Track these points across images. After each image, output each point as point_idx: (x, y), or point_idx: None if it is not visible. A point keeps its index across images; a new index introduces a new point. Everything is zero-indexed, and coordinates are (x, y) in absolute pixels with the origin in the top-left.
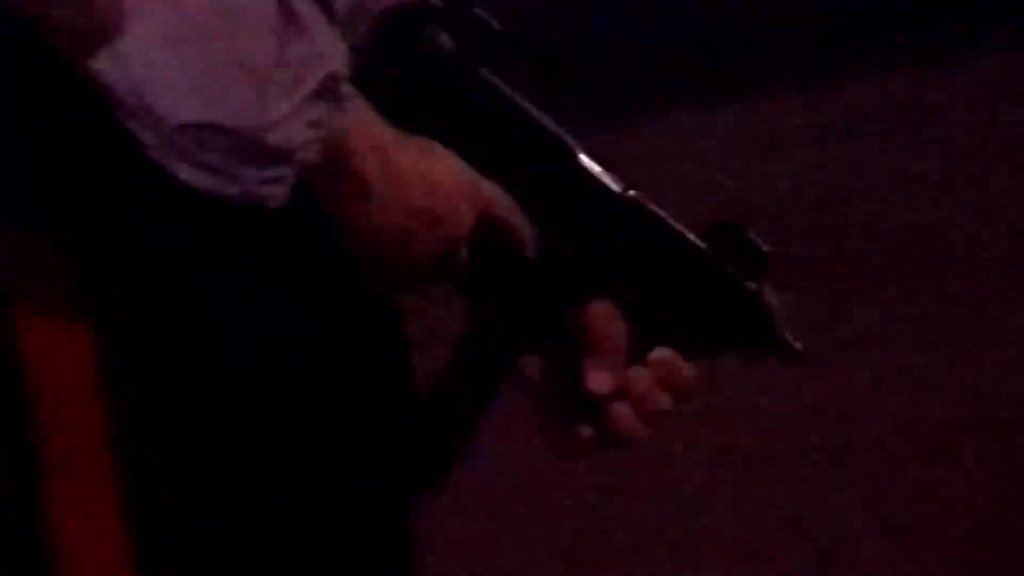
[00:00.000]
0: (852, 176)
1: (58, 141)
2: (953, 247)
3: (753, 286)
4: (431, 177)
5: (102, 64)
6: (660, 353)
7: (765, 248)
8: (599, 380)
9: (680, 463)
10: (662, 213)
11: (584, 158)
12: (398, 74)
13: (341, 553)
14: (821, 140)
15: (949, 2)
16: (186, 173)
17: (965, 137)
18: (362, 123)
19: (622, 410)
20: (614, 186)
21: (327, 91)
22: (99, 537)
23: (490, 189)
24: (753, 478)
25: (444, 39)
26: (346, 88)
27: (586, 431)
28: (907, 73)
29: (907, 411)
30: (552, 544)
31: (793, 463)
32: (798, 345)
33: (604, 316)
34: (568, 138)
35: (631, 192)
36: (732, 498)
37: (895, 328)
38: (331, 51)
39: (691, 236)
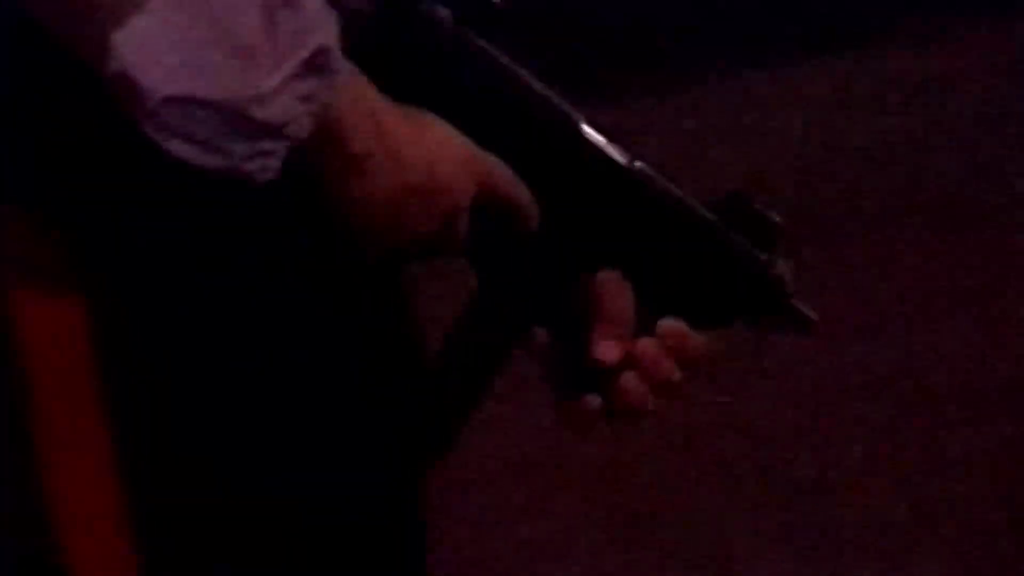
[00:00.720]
0: (871, 144)
1: (57, 139)
2: (982, 212)
3: (763, 256)
4: (427, 149)
5: (88, 41)
6: (668, 323)
7: (775, 218)
8: (607, 350)
9: (701, 433)
10: (669, 184)
11: (588, 129)
12: (396, 46)
13: (348, 530)
14: (832, 109)
15: None
16: (175, 147)
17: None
18: (355, 95)
19: (630, 380)
20: (620, 158)
21: (318, 64)
22: (98, 515)
23: (489, 161)
24: (777, 453)
25: (442, 11)
26: (337, 61)
27: (594, 401)
28: (924, 43)
29: (937, 382)
30: (568, 513)
31: (818, 435)
32: (811, 314)
33: (612, 286)
34: (571, 109)
35: (637, 163)
36: (755, 468)
37: (922, 297)
38: (321, 23)
39: (699, 207)
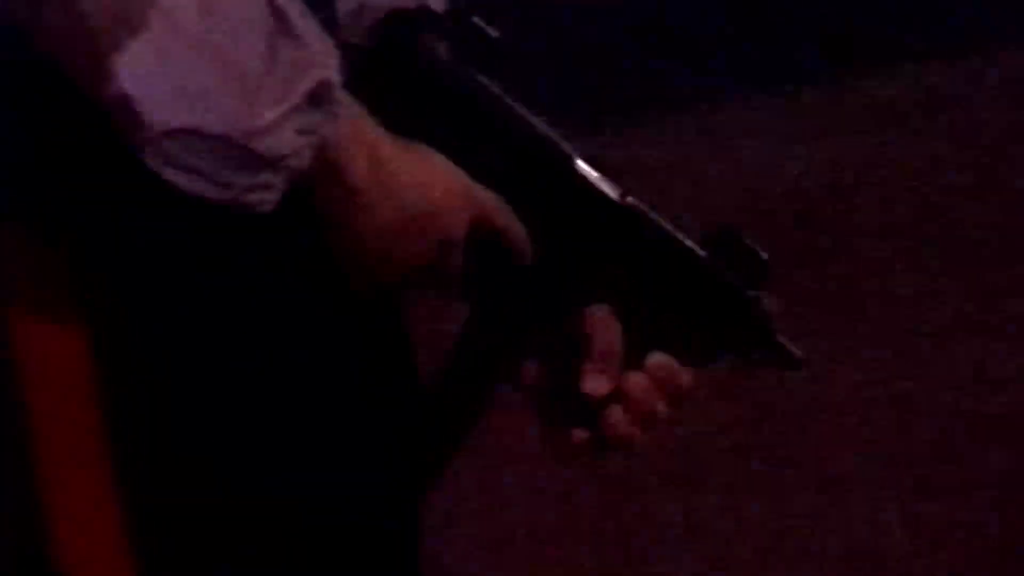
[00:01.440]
0: (875, 169)
1: (56, 140)
2: (987, 239)
3: (751, 292)
4: (424, 182)
5: (93, 73)
6: (657, 358)
7: (763, 255)
8: (595, 383)
9: (702, 459)
10: (660, 219)
11: (581, 164)
12: (395, 79)
13: (342, 548)
14: (841, 132)
15: None
16: (176, 178)
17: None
18: (355, 129)
19: (618, 414)
20: (611, 192)
21: (319, 98)
22: (97, 530)
23: (484, 194)
24: (779, 473)
25: (441, 46)
26: (338, 94)
27: (582, 434)
28: (929, 65)
29: (946, 405)
30: (561, 542)
31: (818, 456)
32: (796, 351)
33: (601, 321)
34: (565, 144)
35: (628, 199)
36: (757, 495)
37: (927, 320)
38: (323, 57)
39: (689, 242)
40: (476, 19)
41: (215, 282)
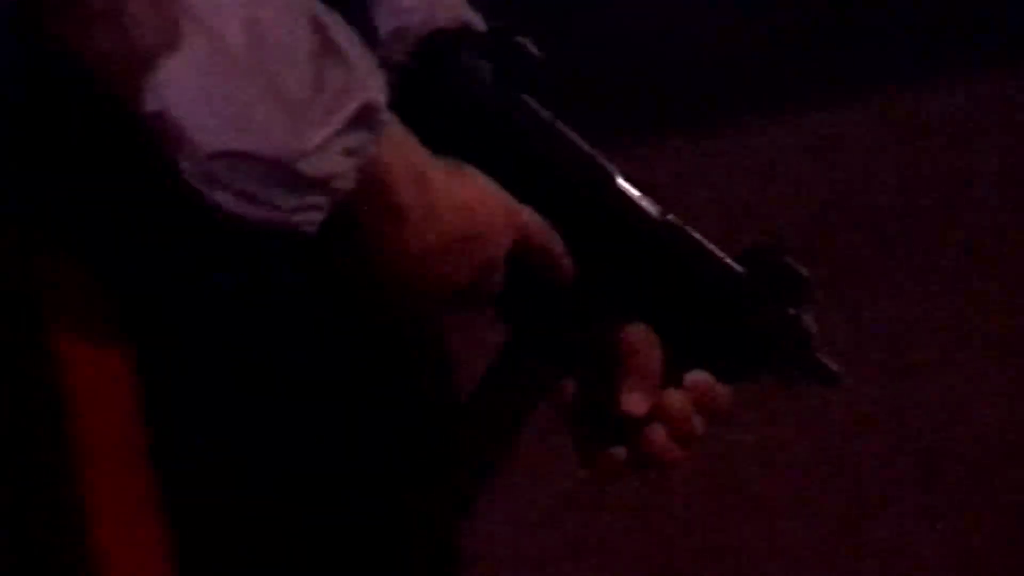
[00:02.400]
0: (902, 186)
1: (87, 157)
2: (1016, 254)
3: (790, 310)
4: (468, 203)
5: (139, 93)
6: (696, 376)
7: (804, 273)
8: (634, 402)
9: (734, 472)
10: (700, 237)
11: (622, 183)
12: (437, 99)
13: (380, 564)
14: (877, 149)
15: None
16: (222, 199)
17: None
18: (399, 150)
19: (656, 433)
20: (652, 211)
21: (364, 119)
22: (139, 547)
23: (526, 214)
24: (812, 487)
25: (483, 66)
26: (383, 116)
27: (620, 453)
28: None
29: (974, 422)
30: (605, 557)
31: (851, 478)
32: (836, 368)
33: (640, 339)
34: (606, 163)
35: (669, 216)
36: (790, 508)
37: (954, 340)
38: (368, 79)
39: (729, 260)
40: (519, 38)
41: (253, 303)
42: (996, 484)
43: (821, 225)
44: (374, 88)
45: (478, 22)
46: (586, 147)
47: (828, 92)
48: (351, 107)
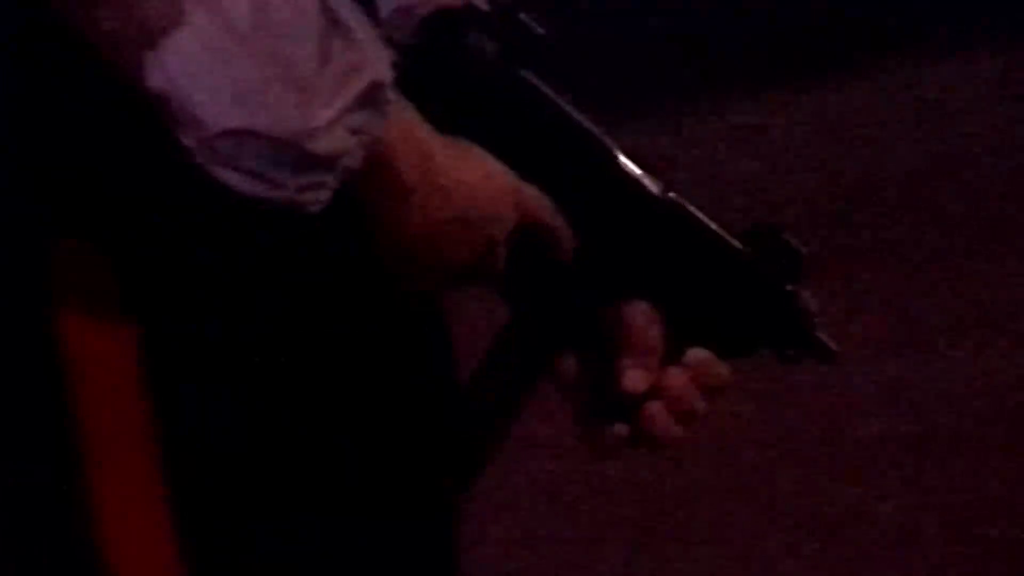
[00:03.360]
0: (905, 166)
1: (101, 152)
2: (1018, 233)
3: (789, 287)
4: (472, 181)
5: (146, 71)
6: (695, 353)
7: (802, 250)
8: (634, 379)
9: (739, 455)
10: (700, 215)
11: (623, 160)
12: (441, 78)
13: (380, 547)
14: (882, 126)
15: None
16: (228, 177)
17: None
18: (404, 128)
19: (657, 410)
20: (653, 188)
21: (370, 98)
22: (145, 531)
23: (530, 192)
24: (816, 469)
25: (487, 43)
26: (389, 95)
27: (621, 430)
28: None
29: (980, 403)
30: (598, 534)
31: (854, 459)
32: (834, 345)
33: (640, 316)
34: (608, 140)
35: (670, 194)
36: (787, 492)
37: (968, 316)
38: (375, 58)
39: (728, 238)
40: (523, 16)
41: (259, 282)
42: (1000, 463)
43: (823, 204)
44: (381, 67)
45: (480, 1)
46: (588, 124)
47: (835, 70)
48: (358, 86)
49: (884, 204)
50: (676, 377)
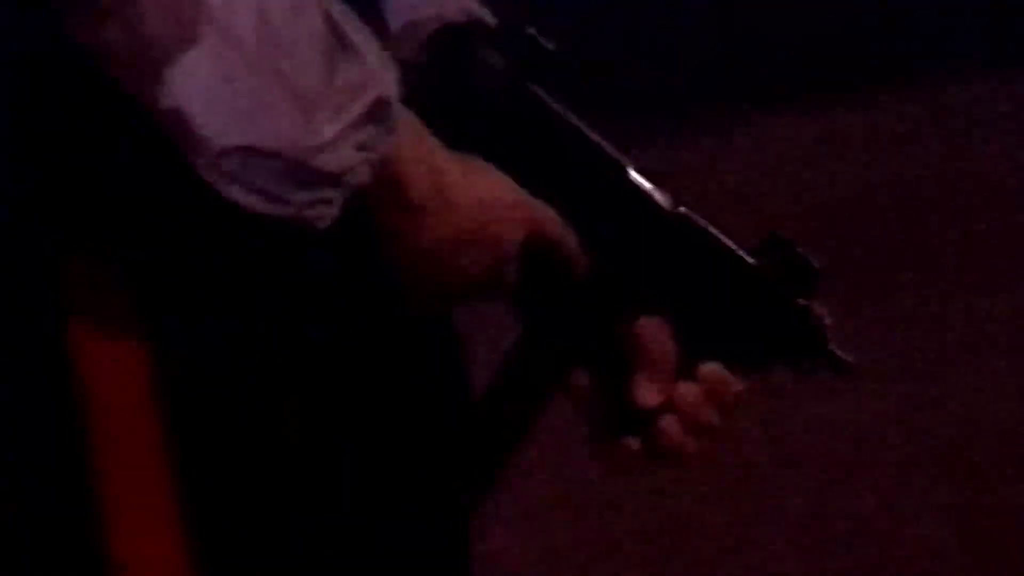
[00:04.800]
0: (918, 184)
1: (111, 162)
2: None
3: (803, 301)
4: (481, 196)
5: (152, 89)
6: (708, 367)
7: (816, 264)
8: (648, 393)
9: (749, 472)
10: (712, 229)
11: (634, 175)
12: (450, 93)
13: (395, 553)
14: (878, 149)
15: None
16: (235, 194)
17: None
18: (412, 144)
19: (670, 424)
20: (664, 202)
21: (377, 114)
22: (156, 540)
23: (539, 207)
24: (825, 487)
25: (495, 58)
26: (396, 110)
27: (634, 444)
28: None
29: (994, 420)
30: (618, 554)
31: (869, 474)
32: (849, 358)
33: (653, 331)
34: (619, 155)
35: (681, 208)
36: (802, 507)
37: (981, 336)
38: (381, 74)
39: (741, 252)
40: (531, 31)
41: (270, 296)
42: (1018, 482)
43: (839, 220)
44: (387, 83)
45: (488, 16)
46: (598, 139)
47: (844, 88)
48: (364, 102)
49: (895, 222)
50: (689, 391)
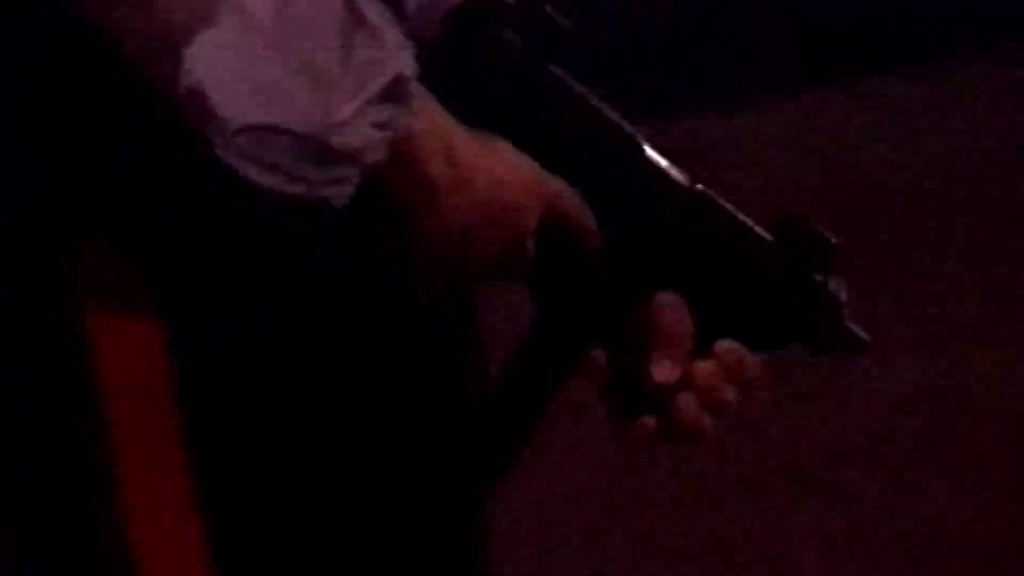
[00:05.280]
0: (933, 163)
1: (125, 150)
2: None
3: (819, 278)
4: (497, 174)
5: (168, 69)
6: (725, 345)
7: (832, 240)
8: (664, 371)
9: (767, 454)
10: (728, 205)
11: (651, 151)
12: (466, 71)
13: (409, 544)
14: (893, 129)
15: None
16: (251, 173)
17: None
18: (429, 122)
19: (687, 402)
20: (681, 179)
21: (393, 92)
22: (175, 530)
23: (555, 184)
24: (849, 466)
25: (512, 36)
26: (413, 88)
27: (651, 422)
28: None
29: (1016, 399)
30: (627, 536)
31: (886, 456)
32: (865, 335)
33: (670, 308)
34: (635, 132)
35: (698, 185)
36: (822, 490)
37: (996, 318)
38: (398, 52)
39: (758, 228)
40: (547, 8)
41: (269, 294)
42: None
43: (859, 199)
44: (404, 61)
45: None
46: (615, 116)
47: (869, 65)
48: (381, 80)
49: (910, 201)
50: (706, 369)
